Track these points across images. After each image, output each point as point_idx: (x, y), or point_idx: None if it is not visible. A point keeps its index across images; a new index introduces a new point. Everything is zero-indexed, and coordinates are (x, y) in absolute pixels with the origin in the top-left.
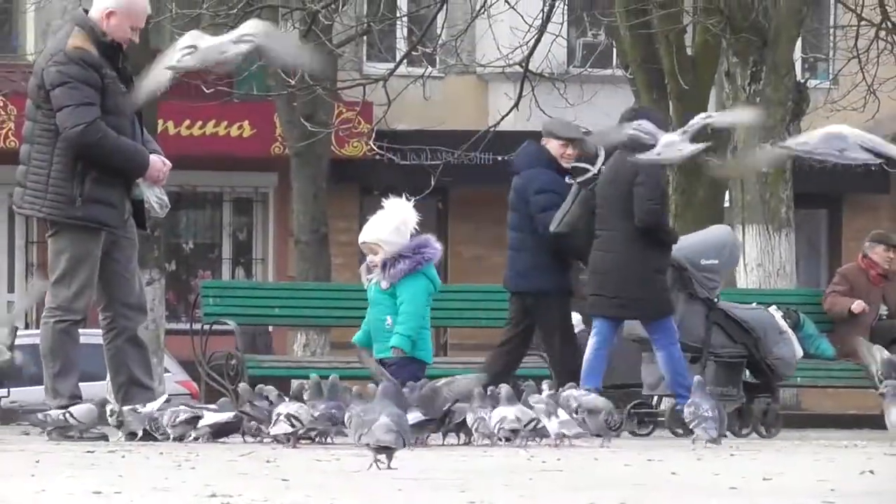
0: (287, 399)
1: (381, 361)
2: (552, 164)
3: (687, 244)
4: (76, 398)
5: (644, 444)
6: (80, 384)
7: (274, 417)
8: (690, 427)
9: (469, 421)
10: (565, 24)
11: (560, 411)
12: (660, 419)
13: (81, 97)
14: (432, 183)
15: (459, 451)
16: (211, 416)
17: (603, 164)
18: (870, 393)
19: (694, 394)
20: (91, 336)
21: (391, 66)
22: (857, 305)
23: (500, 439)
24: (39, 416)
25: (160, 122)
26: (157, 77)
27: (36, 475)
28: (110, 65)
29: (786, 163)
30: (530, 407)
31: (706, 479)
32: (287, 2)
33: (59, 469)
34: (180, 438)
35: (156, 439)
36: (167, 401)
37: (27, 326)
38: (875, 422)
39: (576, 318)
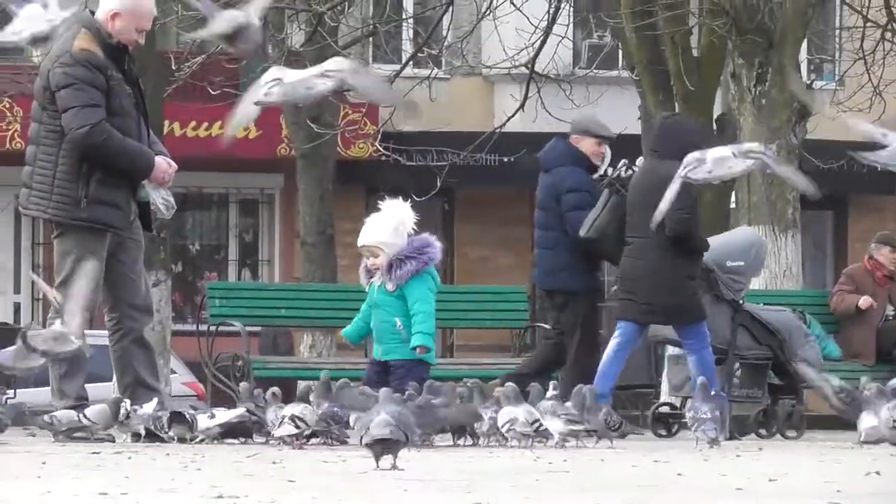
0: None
1: (387, 363)
2: (582, 161)
3: (713, 246)
4: (82, 399)
5: (650, 446)
6: (87, 385)
7: (279, 419)
8: (691, 429)
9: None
10: (571, 25)
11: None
12: (683, 420)
13: (87, 99)
14: (438, 184)
15: (466, 452)
16: (222, 415)
17: (610, 165)
18: None
19: (694, 397)
20: (97, 337)
21: (397, 67)
22: (865, 301)
23: (507, 439)
24: (45, 417)
25: (166, 123)
26: (245, 112)
27: (42, 476)
28: (116, 66)
29: (791, 164)
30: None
31: (712, 481)
32: (293, 3)
33: (65, 470)
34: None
35: (161, 439)
36: (160, 402)
37: None
38: None
39: None
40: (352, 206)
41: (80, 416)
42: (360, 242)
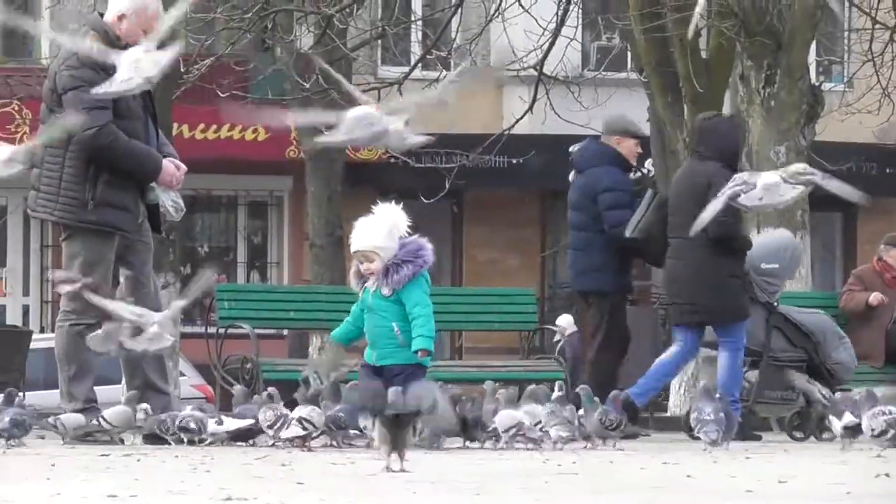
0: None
1: (383, 368)
2: (617, 161)
3: None
4: (91, 402)
5: (660, 447)
6: (96, 388)
7: (276, 420)
8: (694, 431)
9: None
10: (580, 27)
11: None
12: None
13: (93, 101)
14: (447, 186)
15: (475, 454)
16: (231, 423)
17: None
18: None
19: (699, 399)
20: None
21: (406, 69)
22: (875, 297)
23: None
24: (50, 420)
25: (175, 125)
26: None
27: (51, 479)
28: None
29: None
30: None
31: (722, 483)
32: (302, 5)
33: (74, 472)
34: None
35: (167, 442)
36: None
37: (42, 330)
38: None
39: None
40: (361, 208)
41: (100, 419)
42: (353, 248)
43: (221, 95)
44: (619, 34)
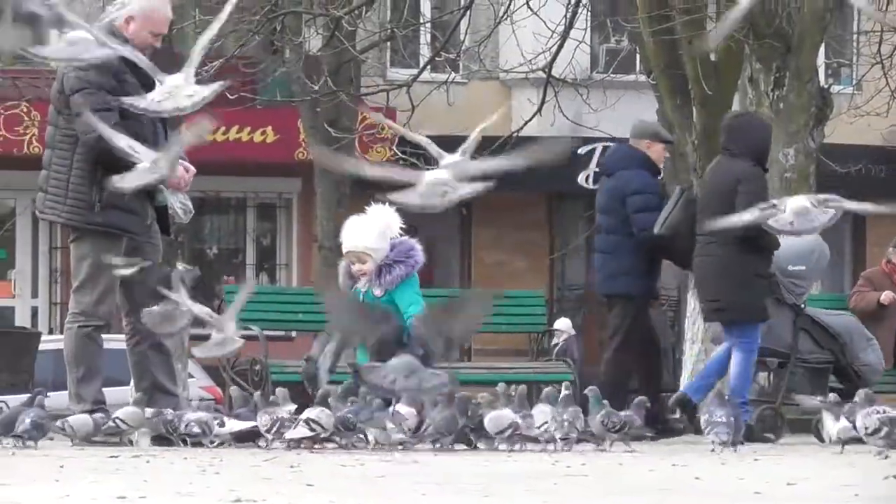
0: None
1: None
2: (647, 165)
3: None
4: (100, 403)
5: (668, 449)
6: (104, 389)
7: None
8: (705, 433)
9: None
10: (588, 29)
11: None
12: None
13: (100, 103)
14: None
15: (483, 455)
16: (234, 424)
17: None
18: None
19: (710, 402)
20: (115, 341)
21: (415, 71)
22: (886, 296)
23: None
24: (58, 423)
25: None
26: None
27: (60, 480)
28: (131, 70)
29: (809, 167)
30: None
31: (730, 485)
32: (310, 7)
33: (83, 474)
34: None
35: (172, 443)
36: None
37: (51, 332)
38: None
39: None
40: None
41: (116, 420)
42: (345, 248)
43: (230, 98)
44: (628, 37)
